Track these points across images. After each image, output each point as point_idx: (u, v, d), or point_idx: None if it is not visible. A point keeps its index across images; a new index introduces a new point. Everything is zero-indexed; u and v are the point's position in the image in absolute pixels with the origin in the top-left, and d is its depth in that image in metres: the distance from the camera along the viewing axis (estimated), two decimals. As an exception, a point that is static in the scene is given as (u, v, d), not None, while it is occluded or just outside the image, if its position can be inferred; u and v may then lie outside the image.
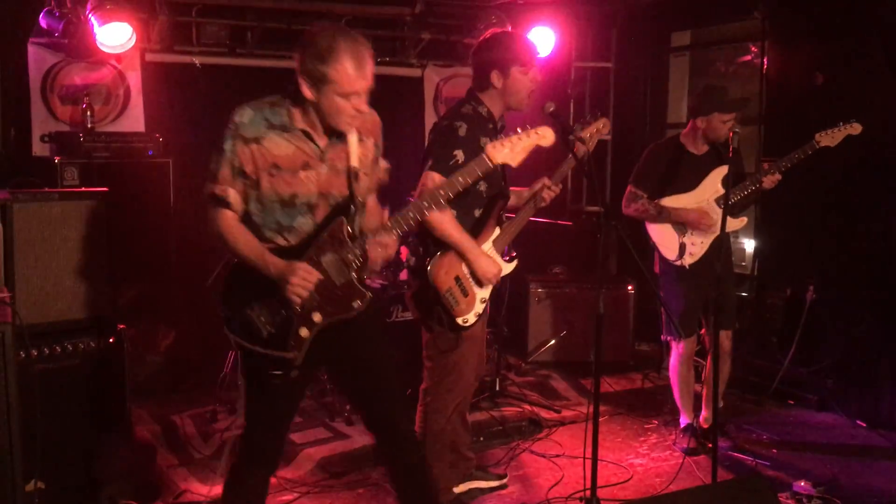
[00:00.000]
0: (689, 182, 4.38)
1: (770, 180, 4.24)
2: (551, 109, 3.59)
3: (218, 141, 2.67)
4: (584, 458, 3.63)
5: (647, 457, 4.49)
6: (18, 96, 5.18)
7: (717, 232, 3.83)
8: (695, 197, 4.36)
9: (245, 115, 2.64)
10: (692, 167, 4.40)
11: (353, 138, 2.73)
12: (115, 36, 4.98)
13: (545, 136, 2.85)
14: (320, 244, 2.67)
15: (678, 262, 4.38)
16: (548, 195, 3.63)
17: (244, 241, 2.67)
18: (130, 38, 5.05)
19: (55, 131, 5.20)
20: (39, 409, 2.71)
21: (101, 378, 3.67)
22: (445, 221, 3.32)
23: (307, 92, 2.59)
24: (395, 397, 2.96)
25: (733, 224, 4.38)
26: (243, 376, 2.99)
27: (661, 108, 6.90)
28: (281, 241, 2.71)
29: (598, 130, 3.63)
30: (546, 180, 3.64)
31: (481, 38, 3.69)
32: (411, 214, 2.73)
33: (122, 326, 3.78)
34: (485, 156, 2.78)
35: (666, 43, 6.84)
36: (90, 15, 4.89)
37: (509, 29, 4.32)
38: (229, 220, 2.68)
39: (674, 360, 4.54)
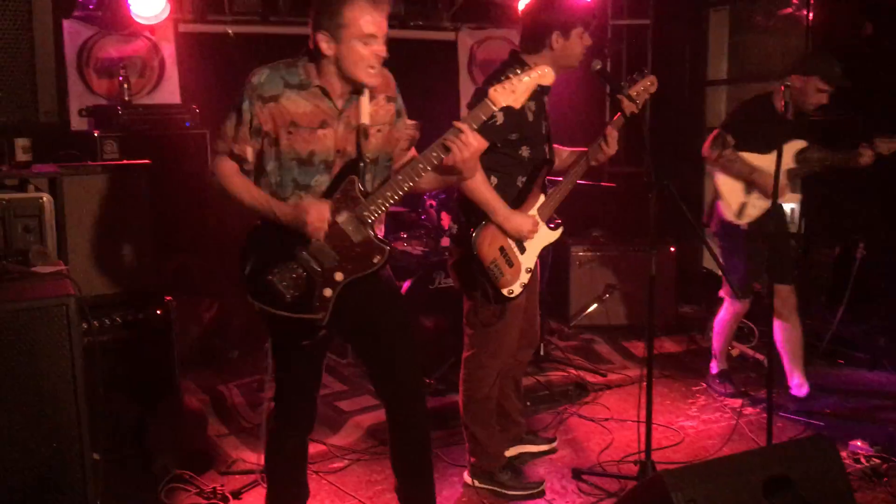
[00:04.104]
0: (769, 144, 4.20)
1: (867, 158, 4.17)
2: (598, 67, 3.50)
3: (235, 101, 2.69)
4: (638, 421, 3.61)
5: (697, 419, 4.44)
6: (58, 72, 5.15)
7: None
8: (768, 160, 4.15)
9: (262, 76, 2.66)
10: (777, 130, 4.24)
11: (364, 95, 2.70)
12: (149, 7, 4.96)
13: (546, 74, 2.69)
14: (335, 203, 2.66)
15: (735, 222, 4.31)
16: (605, 153, 3.54)
17: (246, 188, 2.68)
18: (164, 9, 5.03)
19: (93, 105, 5.19)
20: (100, 381, 2.71)
21: (150, 349, 3.70)
22: (477, 181, 3.22)
23: (325, 47, 2.57)
24: (407, 363, 2.89)
25: (791, 198, 4.37)
26: (270, 342, 2.98)
27: (700, 65, 6.77)
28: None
29: (645, 88, 3.55)
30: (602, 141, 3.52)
31: None
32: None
33: (168, 298, 3.80)
34: (487, 100, 2.64)
35: (705, -3, 6.69)
36: (123, -14, 4.86)
37: None
38: (229, 169, 2.69)
39: (725, 314, 4.56)
